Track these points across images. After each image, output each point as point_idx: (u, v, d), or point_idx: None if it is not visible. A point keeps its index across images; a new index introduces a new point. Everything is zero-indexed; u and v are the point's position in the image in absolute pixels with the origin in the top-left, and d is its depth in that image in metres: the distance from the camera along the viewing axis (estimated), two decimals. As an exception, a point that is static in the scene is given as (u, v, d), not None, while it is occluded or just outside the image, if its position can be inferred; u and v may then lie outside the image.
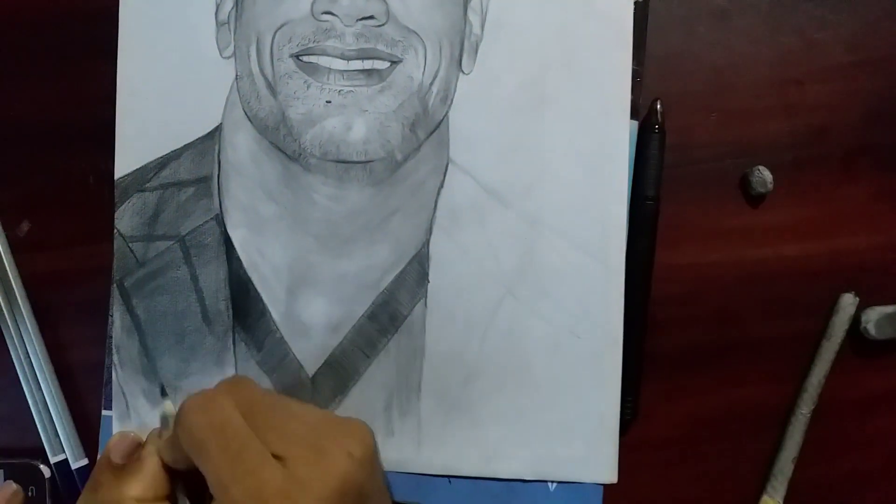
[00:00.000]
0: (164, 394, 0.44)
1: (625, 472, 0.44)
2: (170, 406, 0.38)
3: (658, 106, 0.44)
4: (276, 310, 0.44)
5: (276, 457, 0.33)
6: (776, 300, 0.46)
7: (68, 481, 0.45)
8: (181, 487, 0.36)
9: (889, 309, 0.45)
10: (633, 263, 0.44)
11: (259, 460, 0.32)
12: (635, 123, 0.44)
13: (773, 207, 0.46)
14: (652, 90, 0.45)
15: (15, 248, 0.46)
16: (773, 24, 0.46)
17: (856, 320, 0.46)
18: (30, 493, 0.44)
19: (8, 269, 0.45)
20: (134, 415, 0.45)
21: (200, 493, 0.35)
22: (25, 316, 0.45)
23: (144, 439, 0.37)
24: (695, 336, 0.46)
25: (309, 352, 0.44)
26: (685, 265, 0.46)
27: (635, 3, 0.44)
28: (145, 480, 0.35)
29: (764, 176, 0.45)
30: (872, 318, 0.45)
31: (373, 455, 0.35)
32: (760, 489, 0.46)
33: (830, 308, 0.46)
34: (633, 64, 0.44)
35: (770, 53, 0.46)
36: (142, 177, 0.45)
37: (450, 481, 0.44)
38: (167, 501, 0.35)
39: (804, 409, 0.45)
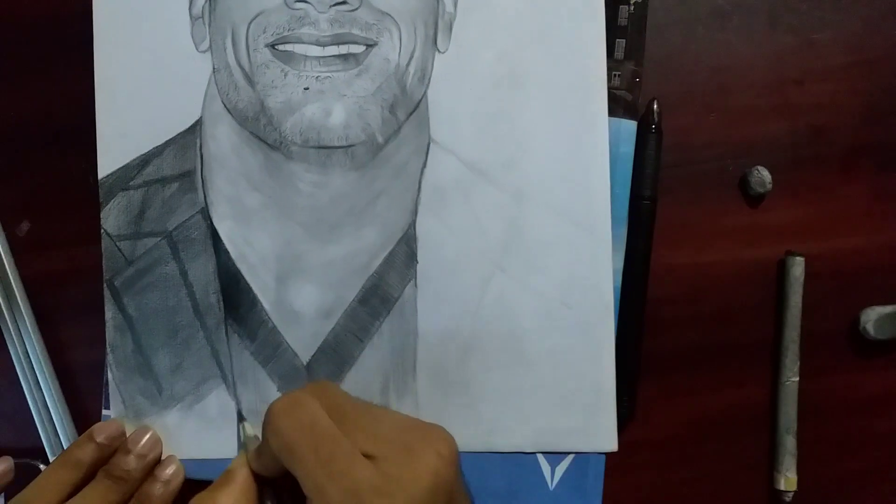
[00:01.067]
0: (241, 417, 0.44)
1: (625, 472, 0.45)
2: (249, 427, 0.40)
3: (655, 106, 0.44)
4: (266, 299, 0.44)
5: (366, 456, 0.33)
6: (776, 300, 0.46)
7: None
8: (270, 493, 0.37)
9: (888, 309, 0.45)
10: (631, 263, 0.44)
11: (352, 460, 0.32)
12: (634, 124, 0.45)
13: (772, 207, 0.46)
14: (652, 90, 0.45)
15: (15, 248, 0.46)
16: (773, 24, 0.46)
17: (855, 320, 0.46)
18: None
19: (8, 269, 0.45)
20: (131, 413, 0.45)
21: (288, 497, 0.36)
22: (25, 316, 0.45)
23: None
24: (694, 336, 0.46)
25: (302, 339, 0.44)
26: (685, 265, 0.46)
27: (634, 4, 0.44)
28: (235, 491, 0.36)
29: (763, 176, 0.45)
30: (872, 317, 0.45)
31: (458, 457, 0.35)
32: (760, 489, 0.46)
33: (831, 308, 0.46)
34: (632, 64, 0.44)
35: (770, 53, 0.46)
36: (125, 175, 0.45)
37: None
38: None
39: (790, 377, 0.45)
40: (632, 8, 0.45)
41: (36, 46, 0.46)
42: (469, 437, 0.44)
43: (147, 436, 0.43)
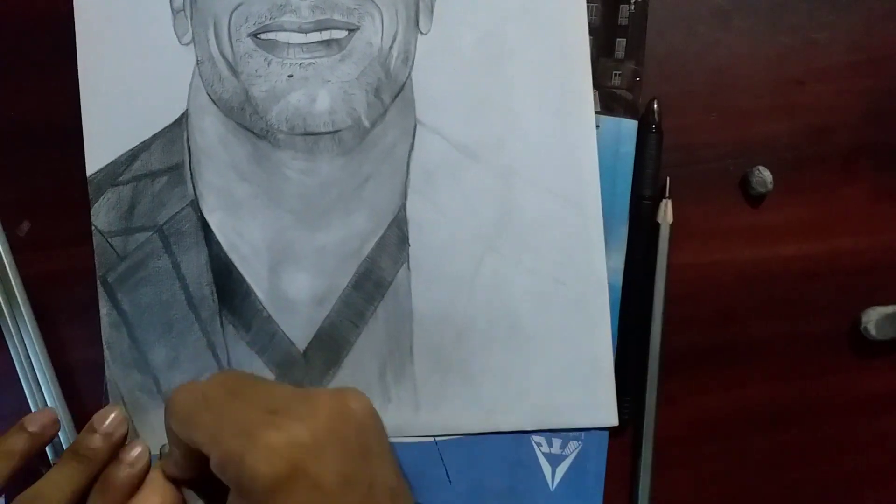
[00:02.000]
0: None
1: (625, 472, 0.45)
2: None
3: (655, 106, 0.44)
4: (260, 289, 0.44)
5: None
6: (776, 300, 0.46)
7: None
8: (191, 494, 0.37)
9: (889, 309, 0.45)
10: (631, 263, 0.44)
11: (246, 410, 0.32)
12: (635, 123, 0.44)
13: (773, 207, 0.46)
14: (652, 90, 0.45)
15: (15, 248, 0.46)
16: (773, 24, 0.46)
17: (856, 320, 0.46)
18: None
19: (8, 268, 0.45)
20: (131, 409, 0.45)
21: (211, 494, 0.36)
22: (25, 315, 0.45)
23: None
24: (695, 336, 0.46)
25: (297, 327, 0.44)
26: (685, 265, 0.45)
27: (635, 4, 0.44)
28: (155, 491, 0.36)
29: (764, 176, 0.44)
30: (873, 318, 0.45)
31: (370, 408, 0.33)
32: (761, 489, 0.46)
33: (831, 308, 0.46)
34: (633, 64, 0.44)
35: (770, 53, 0.46)
36: (114, 171, 0.45)
37: (450, 481, 0.44)
38: None
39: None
40: (632, 7, 0.44)
41: (34, 46, 0.46)
42: (469, 418, 0.44)
43: (112, 415, 0.41)
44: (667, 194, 0.44)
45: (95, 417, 0.41)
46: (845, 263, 0.46)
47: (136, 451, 0.40)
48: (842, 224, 0.46)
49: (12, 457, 0.40)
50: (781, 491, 0.46)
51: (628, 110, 0.45)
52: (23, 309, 0.45)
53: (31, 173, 0.46)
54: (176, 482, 0.37)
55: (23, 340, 0.45)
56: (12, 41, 0.46)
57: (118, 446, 0.41)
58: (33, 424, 0.41)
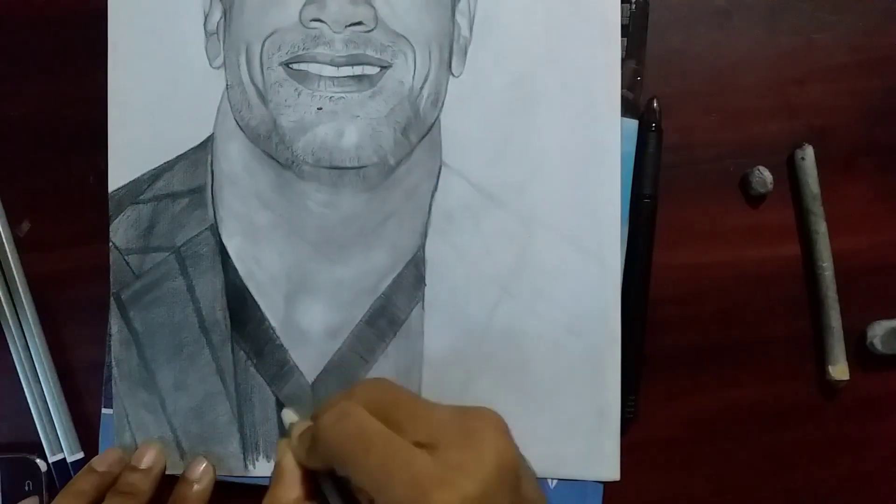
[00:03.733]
0: (280, 404, 0.44)
1: (625, 472, 0.45)
2: (290, 414, 0.41)
3: (655, 105, 0.44)
4: (274, 317, 0.44)
5: (423, 446, 0.32)
6: (776, 300, 0.46)
7: (65, 476, 0.45)
8: (326, 479, 0.36)
9: (894, 323, 0.45)
10: (631, 262, 0.44)
11: (409, 452, 0.31)
12: (635, 122, 0.45)
13: (773, 207, 0.46)
14: (652, 90, 0.45)
15: (15, 247, 0.46)
16: (773, 24, 0.46)
17: (861, 335, 0.46)
18: (27, 488, 0.44)
19: (14, 268, 0.45)
20: (135, 427, 0.45)
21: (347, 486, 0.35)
22: (29, 315, 0.45)
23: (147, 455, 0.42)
24: (695, 336, 0.46)
25: (308, 359, 0.44)
26: (685, 265, 0.46)
27: (636, 3, 0.44)
28: (295, 485, 0.36)
29: (764, 176, 0.45)
30: (878, 332, 0.45)
31: (509, 434, 0.34)
32: (761, 488, 0.46)
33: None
34: (633, 63, 0.45)
35: (770, 53, 0.46)
36: (135, 189, 0.45)
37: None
38: (316, 500, 0.36)
39: (824, 263, 0.45)
40: (633, 7, 0.45)
41: (38, 47, 0.46)
42: (472, 461, 0.44)
43: (150, 451, 0.43)
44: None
45: (135, 456, 0.43)
46: (845, 263, 0.46)
47: (201, 467, 0.43)
48: (841, 224, 0.46)
49: (83, 496, 0.41)
50: (781, 491, 0.47)
51: (628, 110, 0.45)
52: (26, 308, 0.45)
53: (33, 173, 0.46)
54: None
55: (24, 339, 0.45)
56: (14, 42, 0.46)
57: (159, 478, 0.43)
58: (101, 465, 0.43)
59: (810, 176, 0.45)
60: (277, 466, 0.37)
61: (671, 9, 0.46)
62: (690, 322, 0.46)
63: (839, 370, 0.45)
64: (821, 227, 0.45)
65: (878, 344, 0.45)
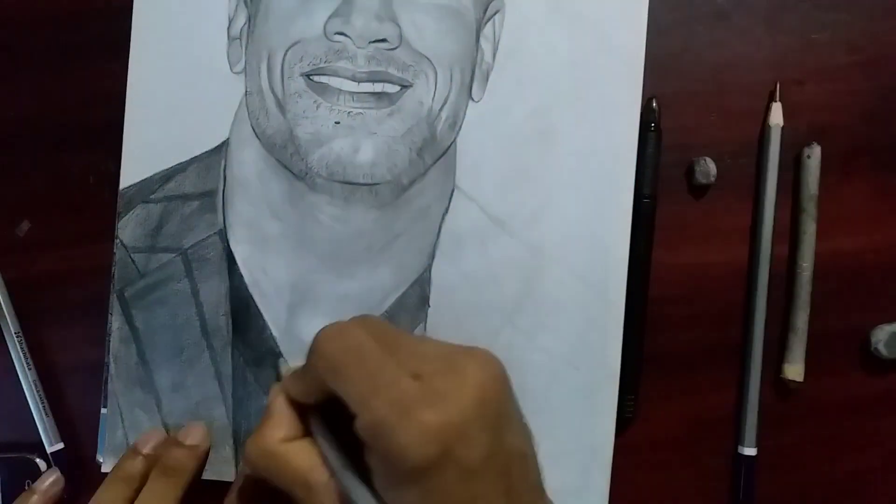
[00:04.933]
0: (279, 357, 0.45)
1: (624, 473, 0.45)
2: (287, 366, 0.41)
3: (654, 104, 0.44)
4: (276, 327, 0.45)
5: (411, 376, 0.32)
6: (776, 300, 0.46)
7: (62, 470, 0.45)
8: (316, 420, 0.36)
9: None
10: (631, 261, 0.44)
11: (396, 374, 0.32)
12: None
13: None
14: (652, 90, 0.45)
15: (15, 247, 0.46)
16: (772, 24, 0.46)
17: (865, 340, 0.46)
18: (26, 487, 0.44)
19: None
20: (128, 425, 0.45)
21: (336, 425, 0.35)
22: (27, 315, 0.45)
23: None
24: (695, 336, 0.46)
25: (307, 371, 0.44)
26: (685, 265, 0.46)
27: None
28: (283, 422, 0.35)
29: (708, 167, 0.44)
30: (882, 337, 0.45)
31: (506, 376, 0.34)
32: (759, 489, 0.46)
33: (832, 309, 0.46)
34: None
35: (770, 53, 0.46)
36: (147, 188, 0.45)
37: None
38: (309, 438, 0.35)
39: (804, 263, 0.45)
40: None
41: (36, 47, 0.46)
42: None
43: (197, 429, 0.43)
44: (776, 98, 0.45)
45: (181, 433, 0.43)
46: (845, 263, 0.46)
47: (198, 434, 0.43)
48: (841, 224, 0.46)
49: (132, 480, 0.42)
50: (781, 491, 0.47)
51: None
52: (10, 312, 0.45)
53: (32, 173, 0.46)
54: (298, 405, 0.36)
55: (23, 339, 0.45)
56: (12, 42, 0.46)
57: (203, 458, 0.43)
58: (145, 446, 0.43)
59: (812, 175, 0.45)
60: (268, 408, 0.36)
61: (671, 9, 0.46)
62: (690, 322, 0.46)
63: (794, 370, 0.45)
64: (809, 228, 0.45)
65: (882, 349, 0.45)
